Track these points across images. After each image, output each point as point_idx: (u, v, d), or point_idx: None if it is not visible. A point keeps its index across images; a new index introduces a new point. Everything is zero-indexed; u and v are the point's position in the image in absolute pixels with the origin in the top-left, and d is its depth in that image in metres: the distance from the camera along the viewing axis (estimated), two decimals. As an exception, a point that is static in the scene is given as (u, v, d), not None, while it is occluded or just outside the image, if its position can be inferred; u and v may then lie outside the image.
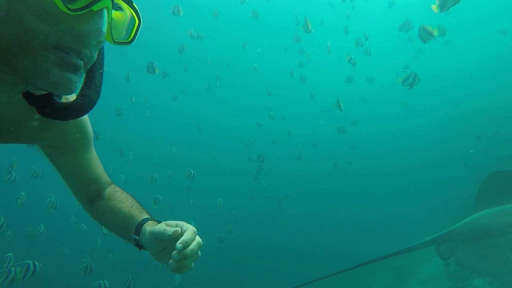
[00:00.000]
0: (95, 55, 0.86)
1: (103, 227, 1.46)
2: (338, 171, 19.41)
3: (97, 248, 8.41)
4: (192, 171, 8.07)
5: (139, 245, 1.23)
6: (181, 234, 1.06)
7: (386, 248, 13.24)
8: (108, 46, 0.98)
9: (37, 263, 3.60)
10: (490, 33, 20.91)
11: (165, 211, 10.37)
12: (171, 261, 1.01)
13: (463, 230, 3.52)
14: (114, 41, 0.89)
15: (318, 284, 4.10)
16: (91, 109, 0.97)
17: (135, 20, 0.93)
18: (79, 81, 0.82)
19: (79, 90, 0.95)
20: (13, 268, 3.47)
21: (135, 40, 0.93)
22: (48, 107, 0.91)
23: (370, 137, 23.13)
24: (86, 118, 1.24)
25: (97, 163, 1.37)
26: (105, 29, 0.79)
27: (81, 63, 0.80)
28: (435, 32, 5.01)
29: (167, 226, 1.10)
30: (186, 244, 1.01)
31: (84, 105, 0.94)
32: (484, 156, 14.69)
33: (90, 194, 1.39)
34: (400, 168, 20.83)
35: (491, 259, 3.11)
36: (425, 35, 5.23)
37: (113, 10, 0.87)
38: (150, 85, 17.02)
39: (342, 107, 6.06)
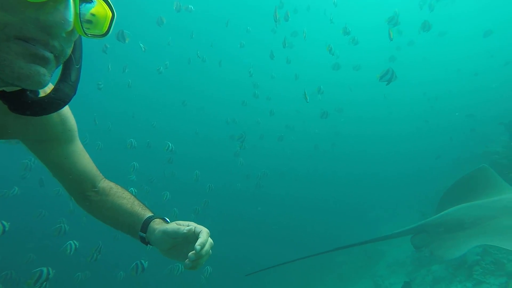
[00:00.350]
0: (68, 49, 0.84)
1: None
2: (318, 154, 19.71)
3: (74, 211, 8.42)
4: (170, 144, 8.12)
5: (145, 242, 1.28)
6: (194, 233, 1.15)
7: (359, 230, 13.89)
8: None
9: (5, 223, 3.68)
10: (480, 31, 21.28)
11: (145, 184, 10.42)
12: (187, 261, 1.08)
13: (438, 223, 3.73)
14: (85, 33, 0.85)
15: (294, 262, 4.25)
16: (65, 104, 0.95)
17: (108, 12, 0.89)
18: (50, 75, 0.80)
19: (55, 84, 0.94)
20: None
21: (109, 33, 0.90)
22: (18, 103, 0.88)
23: (353, 123, 23.52)
24: (68, 110, 1.23)
25: (85, 156, 1.35)
26: (71, 18, 0.75)
27: (50, 55, 0.77)
28: (391, 35, 6.25)
29: (177, 225, 1.19)
30: (203, 246, 1.10)
31: (57, 99, 0.91)
32: (458, 151, 15.24)
33: (83, 189, 1.37)
34: (378, 155, 21.31)
35: (460, 248, 3.34)
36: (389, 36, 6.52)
37: (84, 4, 0.84)
38: (132, 59, 16.63)
39: (308, 99, 6.42)
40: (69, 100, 0.95)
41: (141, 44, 9.56)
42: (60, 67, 0.92)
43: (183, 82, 22.58)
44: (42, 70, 0.75)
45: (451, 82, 24.64)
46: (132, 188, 6.81)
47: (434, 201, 11.51)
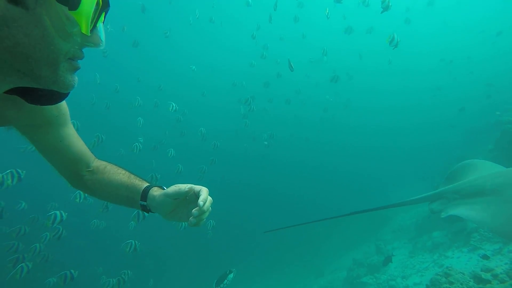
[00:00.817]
0: None
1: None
2: (326, 120, 19.72)
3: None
4: (174, 105, 8.34)
5: (147, 210, 1.38)
6: (194, 192, 1.26)
7: (368, 197, 14.08)
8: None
9: (20, 171, 4.05)
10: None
11: (154, 142, 10.69)
12: (191, 218, 1.20)
13: (458, 189, 3.76)
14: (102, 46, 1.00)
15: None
16: (67, 96, 1.10)
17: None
18: None
19: None
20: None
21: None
22: (36, 96, 1.04)
23: (364, 91, 23.21)
24: None
25: (78, 137, 1.44)
26: (103, 39, 0.96)
27: None
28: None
29: (179, 187, 1.29)
30: (205, 201, 1.21)
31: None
32: (473, 120, 15.05)
33: (78, 169, 1.46)
34: (390, 125, 21.19)
35: (479, 212, 3.36)
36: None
37: None
38: (132, 20, 16.45)
39: (293, 67, 6.52)
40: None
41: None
42: None
43: (191, 45, 22.39)
44: (77, 77, 0.95)
45: (471, 46, 23.69)
46: (136, 144, 7.11)
47: (444, 171, 11.72)
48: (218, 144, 9.75)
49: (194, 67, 13.95)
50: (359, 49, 18.89)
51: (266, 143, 12.69)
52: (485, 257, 6.12)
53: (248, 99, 10.00)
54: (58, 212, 4.62)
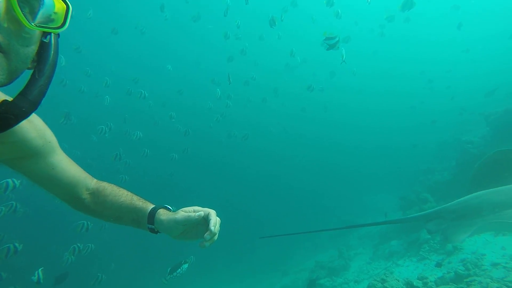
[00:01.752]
0: (20, 46, 0.82)
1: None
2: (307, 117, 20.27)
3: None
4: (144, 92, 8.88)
5: (154, 231, 1.42)
6: (202, 217, 1.33)
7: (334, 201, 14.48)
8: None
9: None
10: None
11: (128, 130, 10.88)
12: (204, 242, 1.27)
13: (455, 209, 3.78)
14: (30, 23, 0.80)
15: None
16: (18, 120, 0.89)
17: (63, 5, 0.89)
18: None
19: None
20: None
21: (66, 26, 0.88)
22: None
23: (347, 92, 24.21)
24: (43, 123, 1.29)
25: (71, 161, 1.42)
26: None
27: None
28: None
29: (185, 212, 1.36)
30: (215, 225, 1.29)
31: (7, 113, 0.86)
32: (442, 135, 15.76)
33: (77, 193, 1.46)
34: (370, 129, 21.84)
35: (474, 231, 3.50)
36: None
37: None
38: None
39: (230, 80, 6.67)
40: (25, 116, 0.90)
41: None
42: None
43: (167, 41, 22.64)
44: None
45: (455, 64, 24.49)
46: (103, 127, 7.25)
47: (411, 182, 12.31)
48: (189, 131, 10.28)
49: (170, 66, 14.11)
50: (334, 61, 19.32)
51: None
52: (438, 265, 6.71)
53: (218, 92, 10.30)
54: (10, 180, 4.76)
